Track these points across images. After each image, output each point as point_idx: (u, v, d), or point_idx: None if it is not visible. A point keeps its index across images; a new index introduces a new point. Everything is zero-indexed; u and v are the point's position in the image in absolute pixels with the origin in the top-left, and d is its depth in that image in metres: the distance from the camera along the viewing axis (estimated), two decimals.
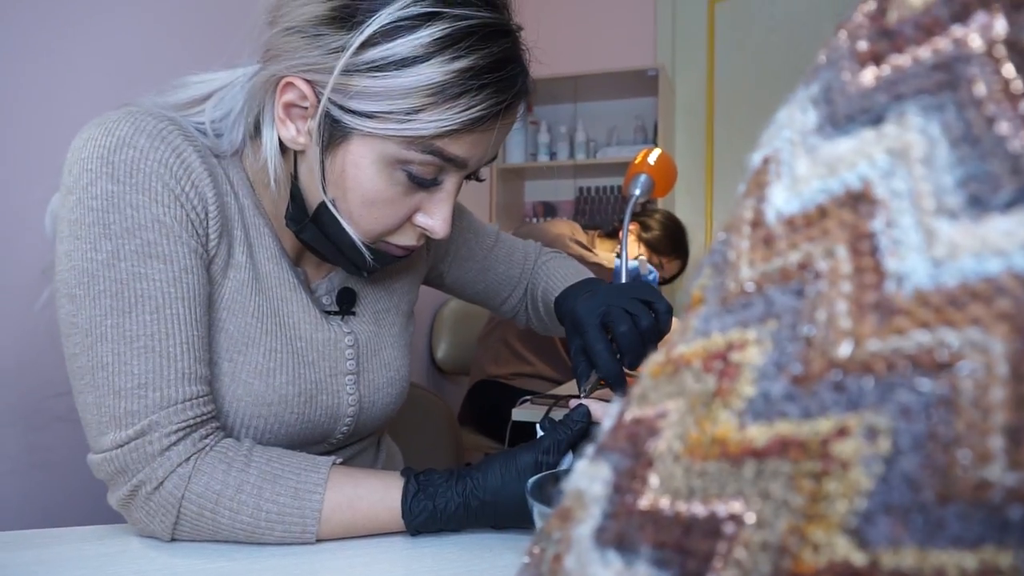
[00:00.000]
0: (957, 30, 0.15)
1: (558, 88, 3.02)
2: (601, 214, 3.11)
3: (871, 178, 0.15)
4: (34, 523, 1.18)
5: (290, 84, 0.62)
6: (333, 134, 0.62)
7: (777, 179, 0.17)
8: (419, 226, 0.67)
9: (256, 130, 0.69)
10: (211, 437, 0.63)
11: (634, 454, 0.19)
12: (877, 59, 0.16)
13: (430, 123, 0.59)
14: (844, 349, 0.15)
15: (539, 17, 3.22)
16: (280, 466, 0.63)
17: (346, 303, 0.78)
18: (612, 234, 2.26)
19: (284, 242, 0.74)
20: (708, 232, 3.04)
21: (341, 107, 0.60)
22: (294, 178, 0.68)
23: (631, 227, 2.19)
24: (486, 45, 0.59)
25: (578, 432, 0.65)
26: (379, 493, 0.64)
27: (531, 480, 0.59)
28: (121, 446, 0.59)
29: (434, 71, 0.58)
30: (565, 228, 2.20)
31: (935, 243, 0.14)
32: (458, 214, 0.93)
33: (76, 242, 0.60)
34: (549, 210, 3.23)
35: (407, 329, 0.86)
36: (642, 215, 2.20)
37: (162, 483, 0.60)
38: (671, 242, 2.19)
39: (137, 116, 0.62)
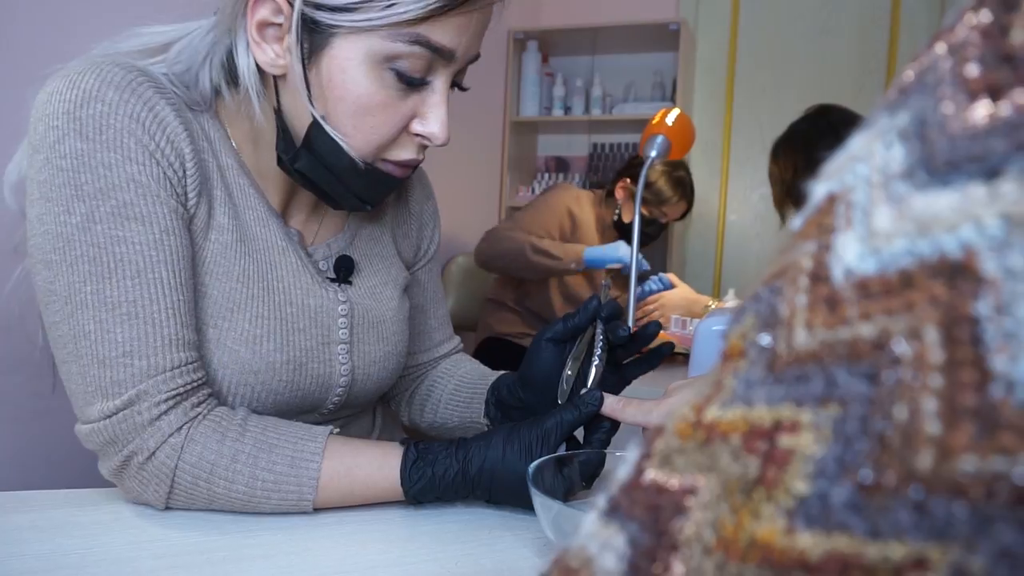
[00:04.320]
0: None
1: (575, 40, 2.92)
2: (615, 171, 3.05)
3: (977, 247, 0.12)
4: (37, 470, 1.18)
5: None
6: (313, 41, 0.59)
7: (848, 226, 0.14)
8: (417, 134, 0.65)
9: (225, 81, 0.66)
10: (203, 405, 0.61)
11: (656, 531, 0.17)
12: (994, 92, 0.13)
13: (413, 3, 0.57)
14: (929, 461, 0.12)
15: None
16: (276, 435, 0.62)
17: (344, 271, 0.76)
18: (611, 194, 2.20)
19: (272, 199, 0.71)
20: (723, 195, 2.98)
21: (317, 5, 0.58)
22: (277, 111, 0.65)
23: (631, 185, 2.10)
24: None
25: (586, 416, 0.63)
26: (377, 461, 0.62)
27: (532, 465, 0.57)
28: (109, 416, 0.57)
29: None
30: (561, 203, 2.10)
31: None
32: (437, 265, 0.93)
33: (47, 204, 0.57)
34: (562, 165, 3.17)
35: (403, 305, 0.83)
36: (638, 167, 2.10)
37: (154, 453, 0.58)
38: (674, 186, 2.09)
39: (103, 67, 0.58)
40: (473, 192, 2.81)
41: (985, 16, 0.13)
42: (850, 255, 0.14)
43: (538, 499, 0.53)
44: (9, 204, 0.65)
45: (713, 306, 2.04)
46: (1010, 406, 0.11)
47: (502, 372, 0.84)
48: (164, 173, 0.60)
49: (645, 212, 2.10)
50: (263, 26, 0.61)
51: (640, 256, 2.03)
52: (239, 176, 0.68)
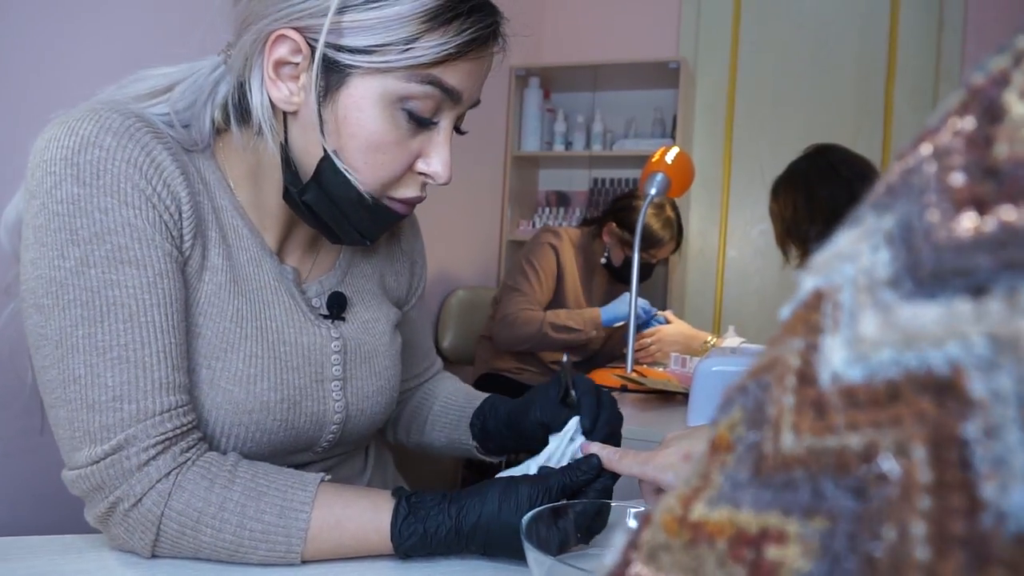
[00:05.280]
0: None
1: (577, 76, 2.96)
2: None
3: (964, 365, 0.12)
4: (25, 509, 1.16)
5: (281, 37, 0.61)
6: (330, 80, 0.61)
7: (834, 329, 0.14)
8: (421, 173, 0.67)
9: (226, 120, 0.67)
10: (193, 450, 0.60)
11: None
12: (980, 205, 0.12)
13: (431, 49, 0.60)
14: None
15: (562, 3, 3.15)
16: (266, 483, 0.61)
17: (336, 307, 0.76)
18: (589, 222, 2.22)
19: (268, 237, 0.72)
20: (723, 231, 2.99)
21: (337, 47, 0.60)
22: (284, 146, 0.66)
23: (616, 229, 2.09)
24: None
25: (584, 481, 0.62)
26: (368, 514, 0.61)
27: (527, 516, 0.56)
28: (97, 462, 0.56)
29: None
30: (549, 248, 2.07)
31: None
32: (424, 300, 0.98)
33: (42, 249, 0.57)
34: (562, 199, 3.18)
35: (395, 340, 0.84)
36: (622, 211, 2.10)
37: (141, 500, 0.57)
38: (665, 227, 2.06)
39: (101, 113, 0.59)
40: (474, 225, 2.82)
41: (969, 123, 0.13)
42: (837, 359, 0.14)
43: (531, 553, 0.52)
44: (3, 245, 0.65)
45: (712, 342, 2.03)
46: (1001, 538, 0.11)
47: (487, 396, 0.89)
48: (160, 217, 0.60)
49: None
50: (280, 64, 0.62)
51: (648, 306, 2.01)
52: (233, 217, 0.69)
